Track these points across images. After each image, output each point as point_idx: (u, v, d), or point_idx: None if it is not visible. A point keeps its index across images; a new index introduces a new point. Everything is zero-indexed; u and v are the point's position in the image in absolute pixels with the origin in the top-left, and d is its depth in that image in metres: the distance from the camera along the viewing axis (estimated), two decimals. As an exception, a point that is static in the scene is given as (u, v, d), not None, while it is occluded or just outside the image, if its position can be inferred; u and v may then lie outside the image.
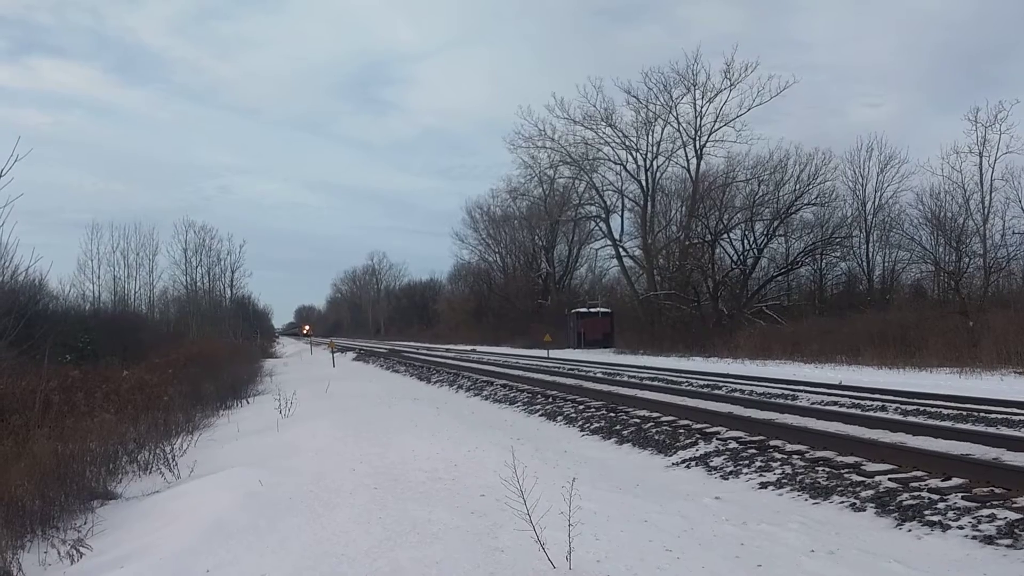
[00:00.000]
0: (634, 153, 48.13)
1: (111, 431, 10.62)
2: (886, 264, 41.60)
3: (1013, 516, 6.08)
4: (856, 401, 14.20)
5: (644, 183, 48.27)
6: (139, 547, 6.36)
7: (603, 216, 52.95)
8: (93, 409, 11.96)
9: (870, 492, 7.26)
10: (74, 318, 28.88)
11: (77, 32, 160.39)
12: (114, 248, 46.99)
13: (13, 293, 18.91)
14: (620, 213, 51.88)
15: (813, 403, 14.20)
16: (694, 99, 44.62)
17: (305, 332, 74.85)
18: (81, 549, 6.58)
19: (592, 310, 49.12)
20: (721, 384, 18.78)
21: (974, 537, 5.89)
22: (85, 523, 7.59)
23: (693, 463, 9.56)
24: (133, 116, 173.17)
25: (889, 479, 7.51)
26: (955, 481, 7.19)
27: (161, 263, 59.41)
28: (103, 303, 42.52)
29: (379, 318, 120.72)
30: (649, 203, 48.22)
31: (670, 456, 10.18)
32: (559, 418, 14.31)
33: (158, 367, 19.56)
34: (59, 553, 6.60)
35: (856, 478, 7.73)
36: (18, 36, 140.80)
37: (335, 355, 43.88)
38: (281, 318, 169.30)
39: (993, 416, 11.71)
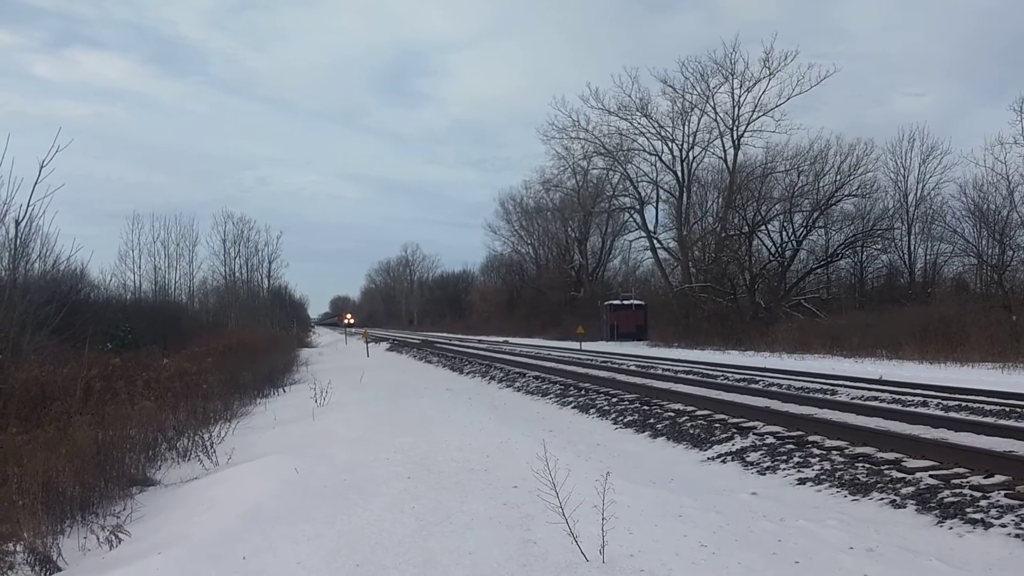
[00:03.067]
0: (670, 143, 47.68)
1: (151, 418, 10.79)
2: (928, 257, 40.88)
3: (1060, 516, 5.92)
4: (897, 396, 13.94)
5: (680, 174, 47.82)
6: (177, 533, 6.44)
7: (637, 207, 52.60)
8: (133, 397, 12.16)
9: (911, 489, 7.13)
10: (115, 307, 29.40)
11: (116, 24, 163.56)
12: (155, 238, 47.74)
13: (54, 282, 19.28)
14: (655, 204, 51.50)
15: (853, 398, 13.97)
16: (732, 88, 44.04)
17: (348, 322, 73.35)
18: (120, 535, 6.69)
19: (625, 302, 48.86)
20: (758, 378, 18.56)
21: (1017, 536, 5.75)
22: (124, 509, 7.72)
23: (729, 458, 9.45)
24: (172, 108, 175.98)
25: (930, 476, 7.37)
26: (998, 478, 7.03)
27: (201, 253, 60.40)
28: (144, 292, 43.25)
29: (412, 309, 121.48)
30: (685, 194, 47.76)
31: (705, 450, 10.07)
32: (592, 411, 14.25)
33: (197, 356, 19.86)
34: (98, 539, 6.71)
35: (896, 475, 7.59)
36: (59, 28, 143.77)
37: (369, 345, 44.20)
38: (316, 308, 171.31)
39: (1039, 413, 11.42)
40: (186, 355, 20.37)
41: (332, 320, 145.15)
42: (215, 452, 10.28)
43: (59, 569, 6.17)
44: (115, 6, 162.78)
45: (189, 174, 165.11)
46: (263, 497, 7.24)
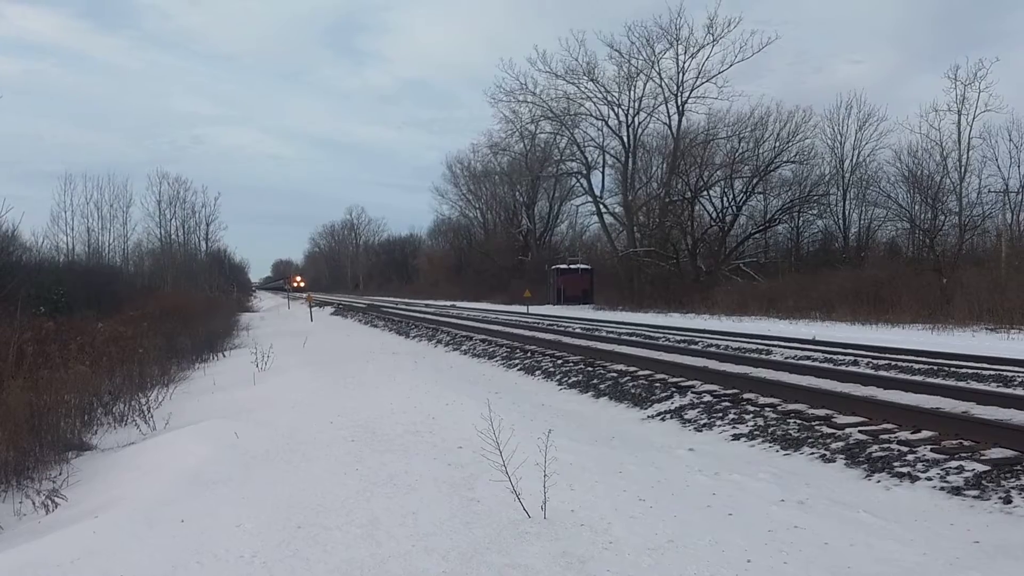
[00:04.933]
0: (616, 109, 47.79)
1: (86, 383, 10.53)
2: (862, 222, 42.09)
3: (981, 468, 6.20)
4: (829, 356, 14.38)
5: (625, 139, 48.04)
6: (114, 497, 6.35)
7: (584, 172, 52.77)
8: (67, 361, 11.81)
9: (840, 444, 7.38)
10: (48, 270, 28.51)
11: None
12: (88, 199, 46.40)
13: (-17, 244, 18.57)
14: (601, 169, 51.75)
15: (787, 358, 14.36)
16: (677, 54, 44.25)
17: (297, 285, 68.59)
18: (56, 499, 6.57)
19: (572, 267, 49.23)
20: (698, 339, 18.94)
21: (942, 488, 6.00)
22: (60, 474, 7.56)
23: (668, 416, 9.66)
24: (105, 65, 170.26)
25: (859, 431, 7.63)
26: (925, 434, 7.32)
27: (135, 215, 58.76)
28: (77, 255, 42.07)
29: (358, 273, 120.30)
30: (630, 159, 48.03)
31: (646, 409, 10.27)
32: (537, 372, 14.38)
33: (133, 320, 19.34)
34: (34, 503, 6.58)
35: (827, 430, 7.84)
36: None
37: (313, 309, 43.71)
38: (258, 272, 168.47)
39: (964, 371, 11.89)
40: (121, 319, 19.83)
41: (276, 284, 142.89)
42: (152, 417, 10.12)
43: (-8, 535, 6.04)
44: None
45: (123, 132, 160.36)
46: (202, 461, 7.16)
